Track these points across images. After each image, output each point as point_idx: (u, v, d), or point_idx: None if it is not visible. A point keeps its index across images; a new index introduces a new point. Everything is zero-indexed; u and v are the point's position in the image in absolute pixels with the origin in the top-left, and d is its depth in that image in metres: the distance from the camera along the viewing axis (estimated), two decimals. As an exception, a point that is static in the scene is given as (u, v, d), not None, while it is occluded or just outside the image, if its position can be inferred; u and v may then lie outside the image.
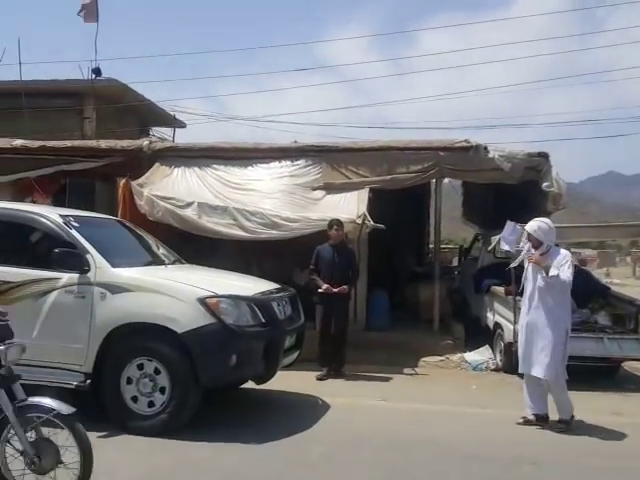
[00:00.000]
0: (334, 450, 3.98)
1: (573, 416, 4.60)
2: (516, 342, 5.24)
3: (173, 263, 5.20)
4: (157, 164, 7.73)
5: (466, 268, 9.55)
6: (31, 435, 2.86)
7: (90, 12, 12.28)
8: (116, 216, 6.51)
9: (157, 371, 4.17)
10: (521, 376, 4.85)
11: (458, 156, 7.50)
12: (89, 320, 4.20)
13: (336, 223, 6.30)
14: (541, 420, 4.61)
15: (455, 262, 12.44)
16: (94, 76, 12.34)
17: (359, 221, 6.51)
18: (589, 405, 5.32)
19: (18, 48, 12.18)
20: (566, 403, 4.59)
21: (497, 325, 7.04)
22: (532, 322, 4.61)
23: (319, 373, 6.18)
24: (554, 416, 4.64)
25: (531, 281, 4.66)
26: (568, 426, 4.55)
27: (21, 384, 2.97)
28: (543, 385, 4.57)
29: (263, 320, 4.36)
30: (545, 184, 7.41)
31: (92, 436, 3.96)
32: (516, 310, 5.79)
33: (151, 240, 5.48)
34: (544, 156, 7.52)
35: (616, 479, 3.66)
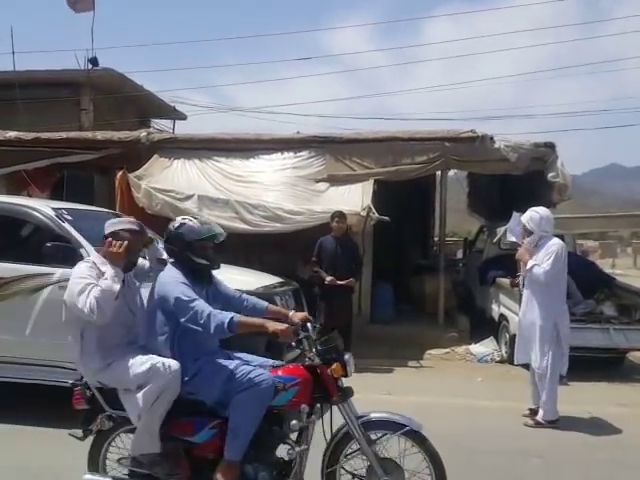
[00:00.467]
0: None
1: (554, 421, 4.40)
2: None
3: (172, 257, 5.06)
4: (156, 156, 7.62)
5: (471, 260, 9.43)
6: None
7: (84, 1, 12.07)
8: (114, 210, 6.39)
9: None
10: (527, 367, 4.78)
11: (464, 147, 7.42)
12: (85, 316, 4.06)
13: (338, 215, 6.19)
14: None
15: (459, 254, 12.32)
16: (91, 66, 12.16)
17: (364, 213, 6.41)
18: (595, 396, 5.31)
19: (11, 37, 11.95)
20: (551, 403, 4.42)
21: (502, 317, 6.99)
22: (523, 315, 4.60)
23: None
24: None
25: (522, 274, 4.65)
26: (542, 426, 4.39)
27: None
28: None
29: (266, 315, 4.23)
30: (551, 174, 7.33)
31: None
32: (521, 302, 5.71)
33: (150, 234, 5.33)
34: (550, 146, 7.45)
35: (623, 473, 3.57)
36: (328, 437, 2.70)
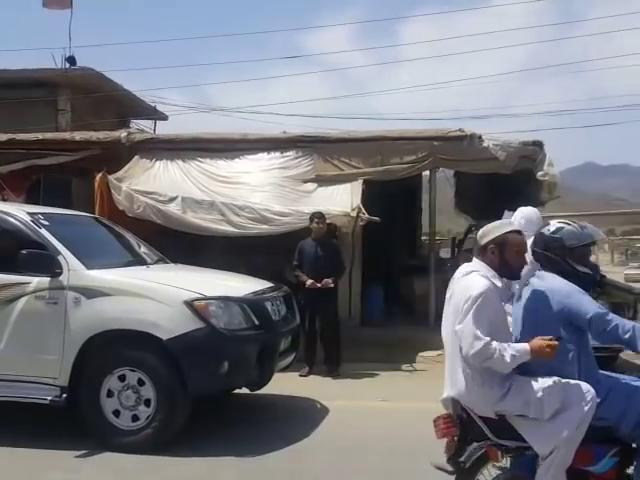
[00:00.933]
0: (337, 459, 3.75)
1: None
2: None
3: (156, 263, 4.86)
4: (137, 157, 7.37)
5: (460, 260, 9.34)
6: None
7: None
8: (94, 213, 6.13)
9: (141, 382, 3.85)
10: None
11: (452, 146, 7.34)
12: (63, 328, 3.84)
13: (317, 216, 6.07)
14: None
15: (443, 254, 12.25)
16: (68, 65, 11.81)
17: (353, 214, 6.28)
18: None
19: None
20: None
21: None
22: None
23: (302, 370, 5.97)
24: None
25: None
26: None
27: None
28: None
29: (256, 322, 4.07)
30: (540, 173, 7.28)
31: (69, 456, 3.67)
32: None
33: (131, 238, 5.13)
34: (539, 145, 7.42)
35: None
36: None
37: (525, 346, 2.35)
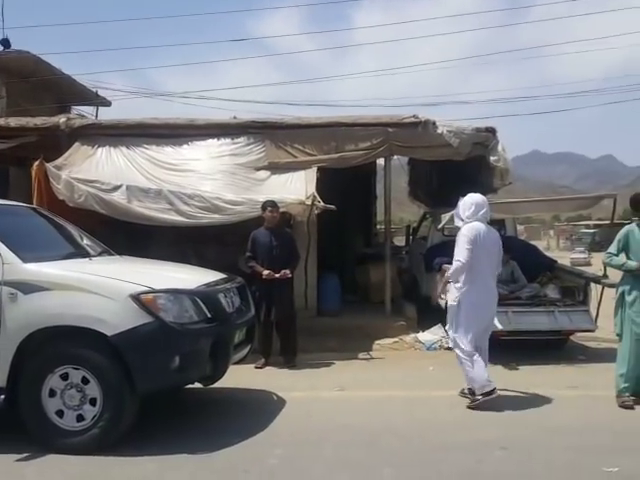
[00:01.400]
0: (294, 452, 3.66)
1: (489, 392, 4.43)
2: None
3: (100, 255, 4.59)
4: (77, 144, 6.99)
5: (415, 248, 9.43)
6: None
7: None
8: (31, 203, 5.75)
9: (85, 380, 3.63)
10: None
11: (407, 132, 7.34)
12: (-3, 326, 3.56)
13: (270, 204, 5.95)
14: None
15: (398, 242, 12.36)
16: (2, 48, 11.11)
17: (308, 202, 6.16)
18: (545, 379, 5.36)
19: None
20: (469, 378, 4.59)
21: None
22: None
23: (258, 362, 5.88)
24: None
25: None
26: (479, 401, 4.44)
27: None
28: None
29: (209, 315, 3.89)
30: (493, 159, 7.38)
31: (9, 460, 3.43)
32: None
33: (72, 230, 4.82)
34: (491, 131, 7.50)
35: (586, 457, 3.52)
36: None
37: None
